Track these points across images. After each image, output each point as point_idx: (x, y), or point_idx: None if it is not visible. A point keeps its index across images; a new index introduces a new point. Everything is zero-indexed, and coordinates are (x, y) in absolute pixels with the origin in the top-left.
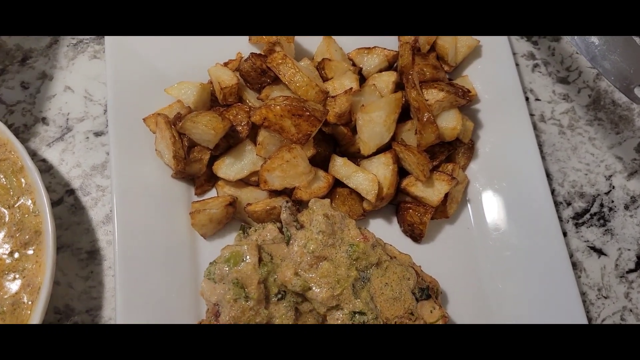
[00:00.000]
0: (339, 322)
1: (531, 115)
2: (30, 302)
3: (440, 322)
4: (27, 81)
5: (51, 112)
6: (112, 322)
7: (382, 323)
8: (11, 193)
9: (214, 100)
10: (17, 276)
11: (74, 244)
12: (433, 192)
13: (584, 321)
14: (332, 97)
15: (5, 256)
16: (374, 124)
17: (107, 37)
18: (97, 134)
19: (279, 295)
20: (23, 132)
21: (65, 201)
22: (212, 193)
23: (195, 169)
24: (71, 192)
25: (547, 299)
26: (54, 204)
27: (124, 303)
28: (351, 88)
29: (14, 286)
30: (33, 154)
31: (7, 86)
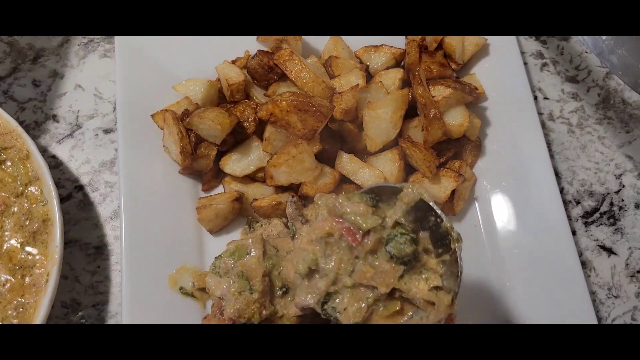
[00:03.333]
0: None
1: (539, 114)
2: (34, 301)
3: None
4: (39, 79)
5: (62, 110)
6: (118, 317)
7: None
8: (19, 182)
9: (221, 98)
10: (25, 273)
11: (82, 239)
12: (440, 189)
13: (594, 321)
14: (339, 93)
15: (17, 249)
16: (380, 120)
17: (117, 37)
18: (107, 131)
19: (283, 289)
20: (34, 129)
21: (74, 197)
22: (219, 190)
23: (202, 164)
24: (80, 188)
25: (556, 298)
26: (63, 199)
27: (130, 298)
28: (357, 84)
29: (19, 285)
30: (43, 150)
31: (19, 84)
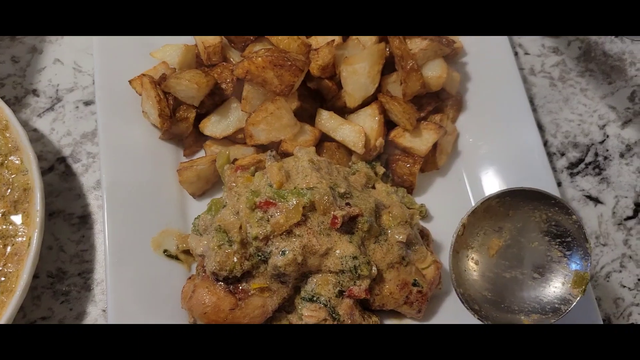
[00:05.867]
0: (327, 269)
1: (521, 69)
2: (16, 270)
3: (432, 268)
4: (17, 55)
5: (41, 84)
6: (104, 284)
7: (374, 269)
8: None
9: (199, 62)
10: (7, 243)
11: (65, 209)
12: (421, 142)
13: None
14: (315, 50)
15: None
16: (358, 75)
17: None
18: (87, 103)
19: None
20: (14, 104)
21: (57, 168)
22: (201, 155)
23: (182, 128)
24: (62, 159)
25: None
26: (45, 171)
27: (114, 262)
28: (333, 40)
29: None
30: (24, 124)
31: None
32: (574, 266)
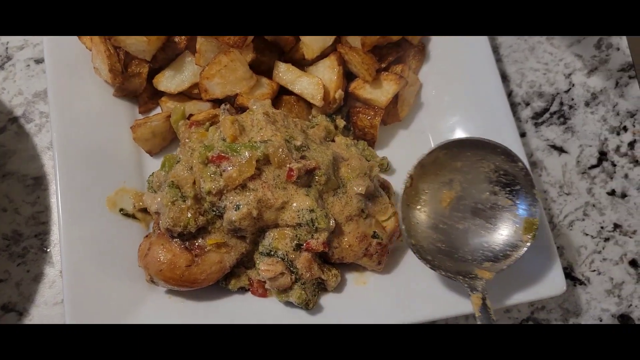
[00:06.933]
0: (284, 223)
1: None
2: None
3: (393, 220)
4: None
5: None
6: (59, 247)
7: (331, 222)
8: None
9: None
10: None
11: (19, 170)
12: (381, 93)
13: (544, 220)
14: None
15: None
16: None
17: None
18: (38, 61)
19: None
20: None
21: (9, 129)
22: (158, 112)
23: (135, 84)
24: (14, 120)
25: None
26: None
27: (67, 222)
28: None
29: None
30: None
31: None
32: (523, 213)
